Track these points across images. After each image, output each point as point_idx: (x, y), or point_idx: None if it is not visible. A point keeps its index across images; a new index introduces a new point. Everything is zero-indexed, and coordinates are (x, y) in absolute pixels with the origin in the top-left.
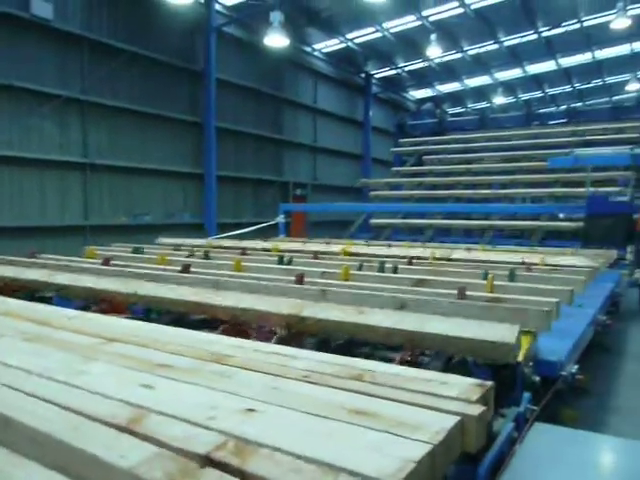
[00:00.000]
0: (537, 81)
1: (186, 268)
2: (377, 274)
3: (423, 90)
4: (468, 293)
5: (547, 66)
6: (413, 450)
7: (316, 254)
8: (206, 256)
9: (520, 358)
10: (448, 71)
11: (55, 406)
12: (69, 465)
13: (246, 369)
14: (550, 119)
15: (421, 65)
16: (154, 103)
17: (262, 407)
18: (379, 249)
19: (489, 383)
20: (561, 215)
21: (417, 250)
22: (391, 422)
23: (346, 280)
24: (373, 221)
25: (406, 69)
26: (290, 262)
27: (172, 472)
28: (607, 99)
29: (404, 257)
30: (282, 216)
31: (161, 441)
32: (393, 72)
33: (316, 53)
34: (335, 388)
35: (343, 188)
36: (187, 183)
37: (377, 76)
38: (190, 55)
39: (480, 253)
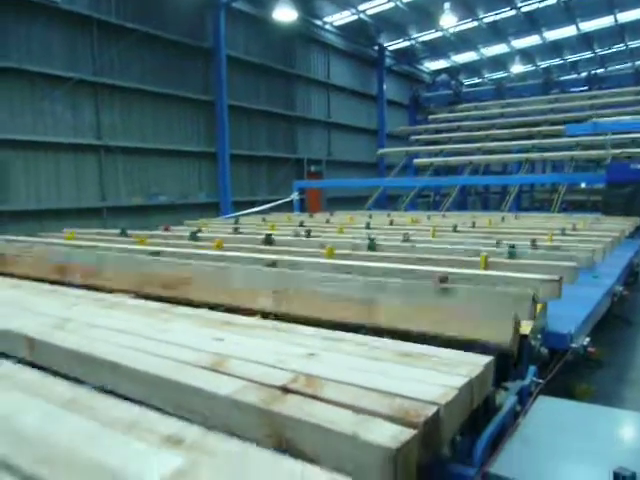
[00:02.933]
0: (556, 48)
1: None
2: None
3: (438, 61)
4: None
5: (567, 32)
6: (455, 381)
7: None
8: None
9: (527, 331)
10: (463, 41)
11: (151, 355)
12: (177, 399)
13: (299, 324)
14: (570, 87)
15: (435, 35)
16: (166, 83)
17: (321, 353)
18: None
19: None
20: (583, 185)
21: (467, 217)
22: (435, 362)
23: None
24: (417, 161)
25: (420, 40)
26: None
27: (263, 397)
28: (630, 64)
29: (464, 224)
30: (296, 193)
31: (243, 378)
32: (407, 44)
33: (327, 26)
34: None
35: (358, 163)
36: (202, 162)
37: (390, 48)
38: (200, 33)
39: (527, 220)
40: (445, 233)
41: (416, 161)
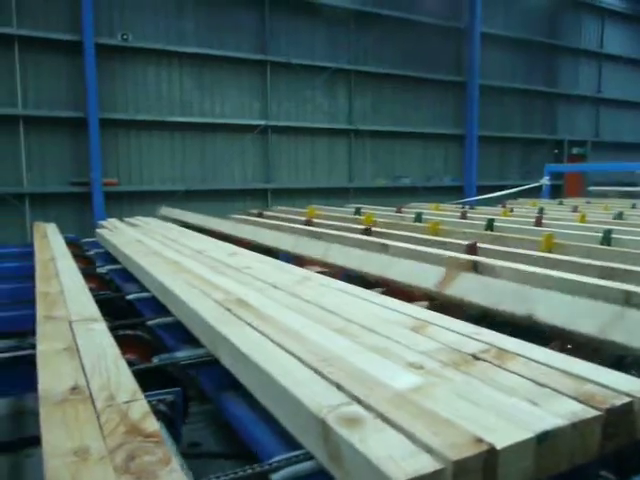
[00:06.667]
0: None
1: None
2: None
3: None
4: None
5: None
6: None
7: None
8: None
9: None
10: None
11: (361, 310)
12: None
13: None
14: None
15: None
16: (415, 66)
17: None
18: None
19: None
20: None
21: None
22: None
23: None
24: None
25: None
26: None
27: (454, 359)
28: None
29: None
30: (547, 178)
31: (439, 341)
32: None
33: None
34: None
35: (636, 145)
36: (449, 145)
37: None
38: (453, 12)
39: None
40: None
41: None
